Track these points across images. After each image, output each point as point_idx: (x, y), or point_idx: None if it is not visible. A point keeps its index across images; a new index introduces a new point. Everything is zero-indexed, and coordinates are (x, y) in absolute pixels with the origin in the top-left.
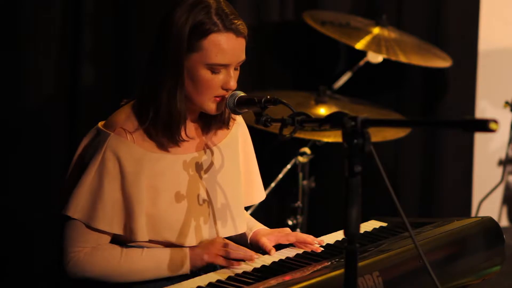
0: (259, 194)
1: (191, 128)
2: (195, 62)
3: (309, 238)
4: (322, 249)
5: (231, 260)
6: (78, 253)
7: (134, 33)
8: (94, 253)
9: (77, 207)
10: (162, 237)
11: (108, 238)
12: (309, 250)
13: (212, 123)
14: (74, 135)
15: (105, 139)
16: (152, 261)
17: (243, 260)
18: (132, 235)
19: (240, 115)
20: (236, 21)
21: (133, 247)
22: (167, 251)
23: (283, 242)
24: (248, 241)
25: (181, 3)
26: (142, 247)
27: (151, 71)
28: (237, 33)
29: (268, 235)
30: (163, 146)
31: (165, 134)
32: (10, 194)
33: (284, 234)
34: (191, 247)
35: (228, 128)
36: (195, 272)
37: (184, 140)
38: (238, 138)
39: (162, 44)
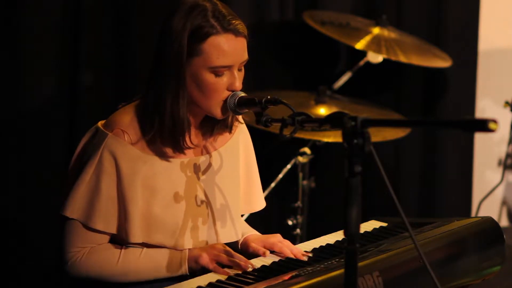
0: (258, 202)
1: (193, 134)
2: (198, 66)
3: (291, 254)
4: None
5: (223, 268)
6: (77, 253)
7: (134, 33)
8: (92, 254)
9: (74, 207)
10: (154, 240)
11: (107, 237)
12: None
13: (215, 127)
14: (75, 136)
15: (103, 139)
16: (150, 262)
17: (230, 266)
18: (126, 236)
19: (243, 122)
20: (234, 21)
21: (132, 248)
22: (165, 252)
23: (267, 248)
24: (239, 246)
25: (178, 9)
26: (141, 247)
27: (153, 78)
28: (236, 33)
29: (255, 241)
30: (165, 154)
31: (170, 142)
32: (10, 194)
33: (270, 243)
34: (190, 249)
35: (230, 133)
36: (194, 272)
37: (189, 148)
38: (239, 144)
39: (162, 51)
